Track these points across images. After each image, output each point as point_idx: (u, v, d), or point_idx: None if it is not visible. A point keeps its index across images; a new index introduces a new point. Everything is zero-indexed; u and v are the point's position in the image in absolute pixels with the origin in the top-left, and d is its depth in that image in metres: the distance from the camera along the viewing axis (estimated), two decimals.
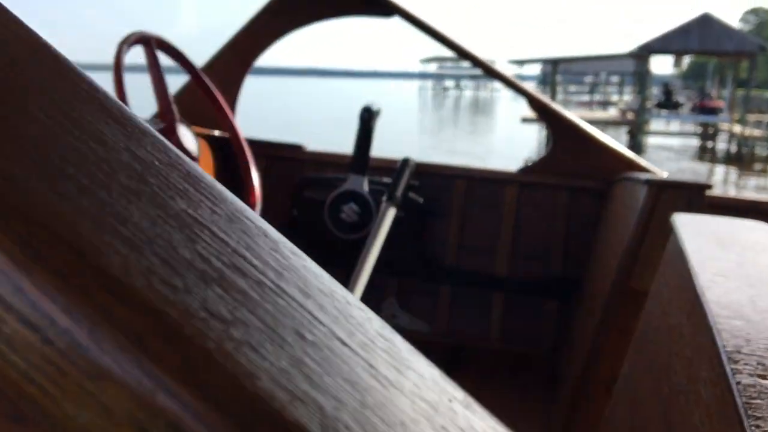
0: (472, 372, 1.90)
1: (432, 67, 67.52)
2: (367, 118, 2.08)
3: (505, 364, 1.97)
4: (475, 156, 15.26)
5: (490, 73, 2.16)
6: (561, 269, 2.07)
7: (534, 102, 2.09)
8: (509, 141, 18.47)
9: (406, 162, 2.12)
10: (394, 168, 2.10)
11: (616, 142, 2.09)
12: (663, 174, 1.91)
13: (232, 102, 2.29)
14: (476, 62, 2.13)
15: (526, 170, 2.16)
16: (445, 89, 64.64)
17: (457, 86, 64.95)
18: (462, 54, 2.14)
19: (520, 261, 2.12)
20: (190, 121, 2.03)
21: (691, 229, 0.78)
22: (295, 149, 2.31)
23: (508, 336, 2.10)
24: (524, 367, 1.96)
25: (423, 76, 70.25)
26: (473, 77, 61.74)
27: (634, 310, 1.29)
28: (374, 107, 2.10)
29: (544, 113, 2.07)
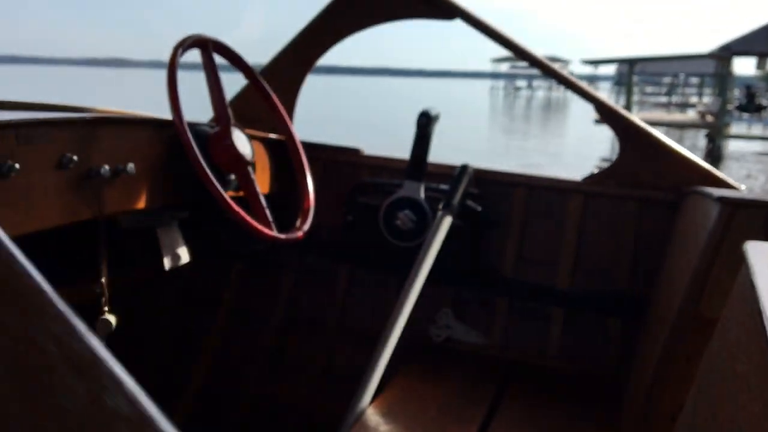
0: (526, 388, 1.82)
1: (504, 67, 66.71)
2: (425, 122, 2.02)
3: (562, 383, 1.88)
4: (546, 154, 14.96)
5: (553, 75, 2.07)
6: (626, 286, 1.96)
7: (601, 106, 1.98)
8: (581, 142, 18.03)
9: (464, 168, 2.05)
10: (452, 174, 2.04)
11: (688, 150, 1.97)
12: (741, 187, 1.78)
13: (291, 104, 2.27)
14: (539, 65, 2.04)
15: (592, 179, 2.06)
16: (517, 89, 63.77)
17: (530, 86, 63.95)
18: (525, 57, 2.06)
19: (583, 275, 2.03)
20: (248, 125, 2.02)
21: (766, 260, 0.70)
22: (352, 153, 2.27)
23: (566, 353, 2.01)
24: (582, 387, 1.86)
25: (494, 76, 69.50)
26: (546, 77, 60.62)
27: (702, 338, 1.19)
28: (432, 112, 2.04)
29: (611, 118, 1.97)
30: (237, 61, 1.87)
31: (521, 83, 65.21)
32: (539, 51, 2.12)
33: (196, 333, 2.30)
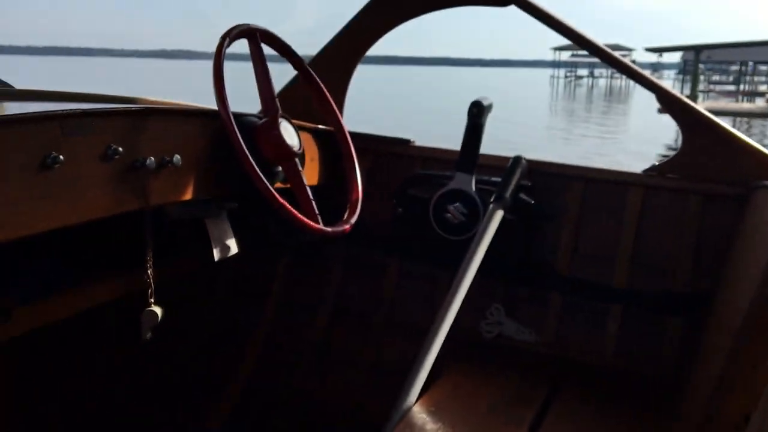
0: (580, 389, 1.75)
1: (565, 56, 65.41)
2: (477, 113, 1.96)
3: (617, 384, 1.81)
4: (609, 141, 14.60)
5: (613, 63, 1.97)
6: (688, 284, 1.87)
7: (663, 95, 1.89)
8: (644, 132, 17.53)
9: (517, 160, 1.99)
10: (504, 167, 1.98)
11: (756, 142, 1.85)
12: None
13: (341, 95, 2.24)
14: (600, 53, 1.95)
15: (652, 171, 1.97)
16: (578, 78, 62.46)
17: (591, 74, 62.52)
18: (585, 45, 1.97)
19: (642, 271, 1.94)
20: (296, 116, 2.00)
21: None
22: (403, 144, 2.23)
23: (623, 353, 1.93)
24: (639, 389, 1.78)
25: (555, 64, 68.22)
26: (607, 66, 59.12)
27: None
28: (485, 102, 1.98)
29: (673, 107, 1.87)
30: (285, 51, 1.84)
31: (583, 72, 63.83)
32: (601, 38, 2.03)
33: (244, 325, 2.30)
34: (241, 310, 2.33)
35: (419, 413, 1.56)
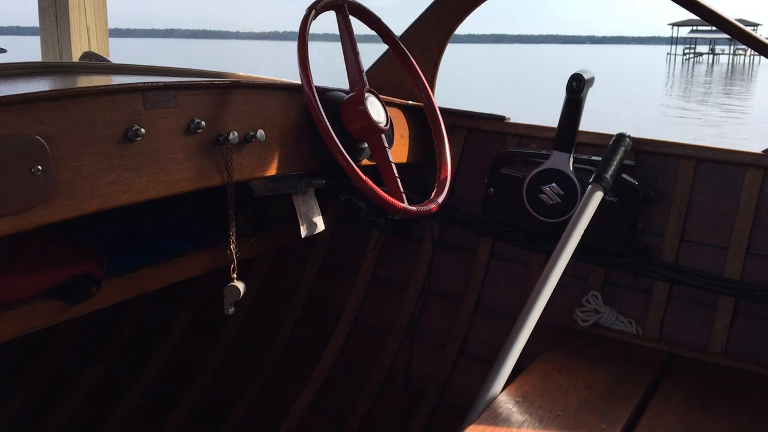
0: (683, 387, 1.61)
1: (684, 31, 62.01)
2: (577, 87, 1.83)
3: (725, 383, 1.65)
4: (731, 123, 13.74)
5: (745, 39, 1.79)
6: None
7: None
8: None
9: (620, 138, 1.85)
10: (606, 145, 1.85)
11: None
12: None
13: (433, 70, 2.16)
14: (728, 27, 1.77)
15: None
16: (697, 54, 59.07)
17: (712, 51, 58.97)
18: (711, 18, 1.80)
19: (758, 262, 1.76)
20: (389, 92, 1.94)
21: None
22: (497, 121, 2.13)
23: (733, 349, 1.76)
24: (750, 389, 1.62)
25: (673, 41, 64.77)
26: (731, 40, 55.68)
27: None
28: (586, 75, 1.85)
29: None
30: (375, 24, 1.78)
31: (702, 48, 60.31)
32: (725, 13, 1.83)
33: (334, 302, 2.29)
34: (331, 287, 2.32)
35: (505, 403, 1.48)
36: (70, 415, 2.29)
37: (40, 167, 1.08)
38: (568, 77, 1.84)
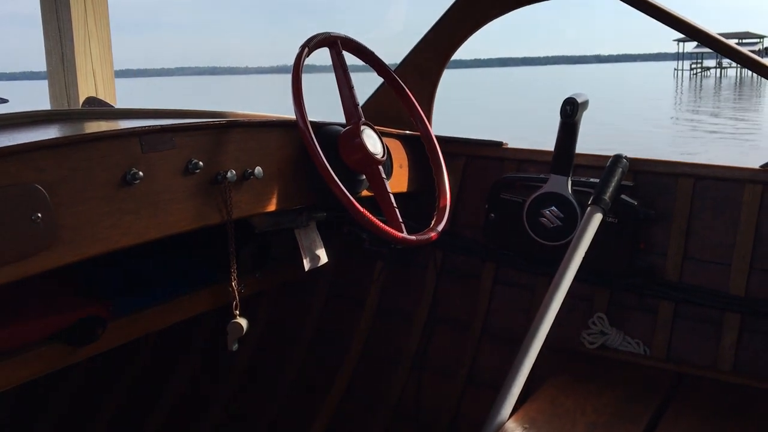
0: (693, 406, 1.60)
1: (689, 47, 62.06)
2: (570, 111, 1.85)
3: (735, 400, 1.64)
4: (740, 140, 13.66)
5: (733, 56, 1.80)
6: None
7: None
8: None
9: (617, 159, 1.86)
10: (603, 167, 1.86)
11: None
12: None
13: (429, 99, 2.19)
14: (715, 45, 1.79)
15: None
16: (704, 69, 59.02)
17: (719, 65, 58.90)
18: (697, 36, 1.81)
19: (762, 278, 1.76)
20: (388, 124, 1.97)
21: None
22: (495, 147, 2.14)
23: (741, 367, 1.75)
24: (759, 406, 1.61)
25: (679, 56, 64.81)
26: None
27: None
28: (579, 98, 1.86)
29: None
30: (369, 58, 1.82)
31: (710, 63, 60.29)
32: (728, 26, 1.85)
33: (341, 334, 2.29)
34: (337, 320, 2.32)
35: (513, 430, 1.48)
36: None
37: (40, 215, 1.11)
38: (562, 101, 1.86)
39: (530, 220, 1.92)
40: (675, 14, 1.78)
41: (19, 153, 1.10)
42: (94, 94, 2.83)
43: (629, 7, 1.82)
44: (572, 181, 1.89)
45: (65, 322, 1.46)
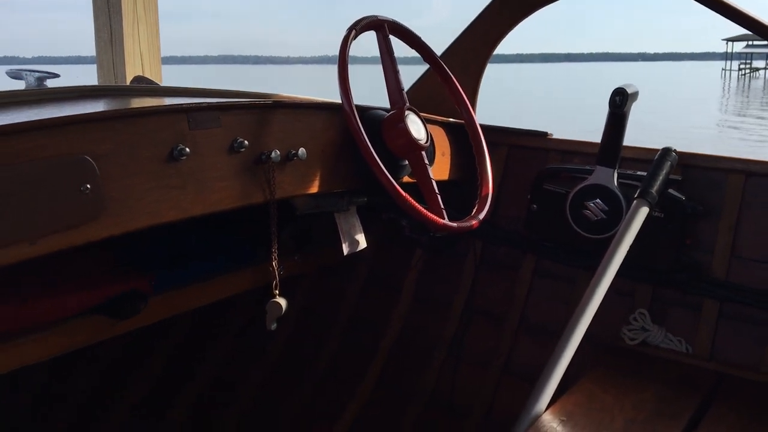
0: (735, 408, 1.56)
1: (738, 47, 60.58)
2: (620, 101, 1.81)
3: None
4: None
5: None
6: None
7: None
8: None
9: (666, 152, 1.82)
10: (651, 160, 1.82)
11: None
12: None
13: (474, 87, 2.17)
14: None
15: None
16: (753, 70, 57.54)
17: None
18: (763, 32, 1.76)
19: None
20: (431, 111, 1.96)
21: None
22: (539, 137, 2.11)
23: None
24: None
25: (728, 56, 63.31)
26: None
27: None
28: (629, 89, 1.83)
29: None
30: (415, 43, 1.80)
31: (759, 63, 58.75)
32: None
33: (377, 320, 2.29)
34: (374, 306, 2.32)
35: (549, 422, 1.46)
36: None
37: (88, 186, 1.12)
38: (611, 92, 1.83)
39: (573, 212, 1.89)
40: (739, 8, 1.73)
41: (70, 124, 1.12)
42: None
43: (679, 3, 1.77)
44: (618, 174, 1.86)
45: (108, 295, 1.49)
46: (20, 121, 1.07)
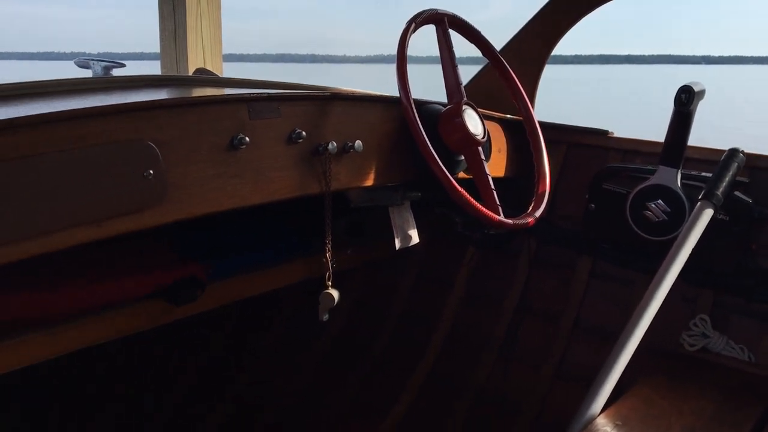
0: None
1: None
2: (686, 100, 1.76)
3: None
4: None
5: None
6: None
7: None
8: None
9: (733, 153, 1.76)
10: (717, 161, 1.76)
11: None
12: None
13: (533, 84, 2.14)
14: None
15: None
16: None
17: None
18: None
19: None
20: (488, 107, 1.94)
21: None
22: (600, 135, 2.07)
23: None
24: None
25: None
26: None
27: None
28: (696, 87, 1.77)
29: None
30: (474, 37, 1.79)
31: None
32: None
33: (427, 317, 2.28)
34: (425, 301, 2.31)
35: (603, 426, 1.43)
36: (166, 422, 2.39)
37: (152, 171, 1.15)
38: (677, 89, 1.78)
39: (634, 212, 1.85)
40: None
41: (135, 111, 1.14)
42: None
43: (746, 3, 1.71)
44: (682, 174, 1.80)
45: (167, 281, 1.52)
46: (88, 106, 1.10)
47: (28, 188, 1.00)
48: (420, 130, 1.49)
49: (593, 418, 1.45)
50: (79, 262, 1.43)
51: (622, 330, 1.55)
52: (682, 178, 1.80)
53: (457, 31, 1.74)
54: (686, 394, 1.58)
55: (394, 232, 1.89)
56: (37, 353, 1.33)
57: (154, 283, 1.51)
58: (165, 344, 2.46)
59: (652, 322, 1.56)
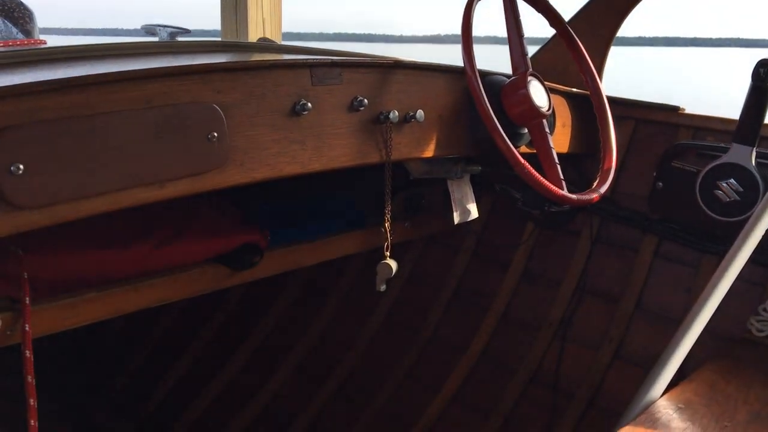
0: None
1: None
2: (764, 74, 1.67)
3: None
4: None
5: None
6: None
7: None
8: None
9: None
10: None
11: None
12: None
13: (601, 57, 2.07)
14: None
15: None
16: None
17: None
18: None
19: None
20: (554, 79, 1.89)
21: None
22: (670, 111, 1.99)
23: None
24: None
25: None
26: None
27: None
28: None
29: None
30: (541, 6, 1.74)
31: None
32: None
33: (483, 293, 2.25)
34: (481, 278, 2.28)
35: (665, 408, 1.39)
36: (227, 382, 2.43)
37: (216, 134, 1.15)
38: (755, 64, 1.69)
39: (704, 192, 1.78)
40: None
41: (200, 73, 1.14)
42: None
43: None
44: (757, 153, 1.72)
45: (227, 246, 1.53)
46: (153, 67, 1.10)
47: (94, 146, 1.01)
48: (484, 100, 1.45)
49: (654, 400, 1.41)
50: (147, 225, 1.46)
51: (687, 313, 1.50)
52: (757, 157, 1.72)
53: (525, 0, 1.69)
54: (754, 380, 1.52)
55: (453, 205, 1.87)
56: (101, 311, 1.36)
57: (216, 248, 1.53)
58: (229, 309, 2.52)
59: (718, 307, 1.50)
